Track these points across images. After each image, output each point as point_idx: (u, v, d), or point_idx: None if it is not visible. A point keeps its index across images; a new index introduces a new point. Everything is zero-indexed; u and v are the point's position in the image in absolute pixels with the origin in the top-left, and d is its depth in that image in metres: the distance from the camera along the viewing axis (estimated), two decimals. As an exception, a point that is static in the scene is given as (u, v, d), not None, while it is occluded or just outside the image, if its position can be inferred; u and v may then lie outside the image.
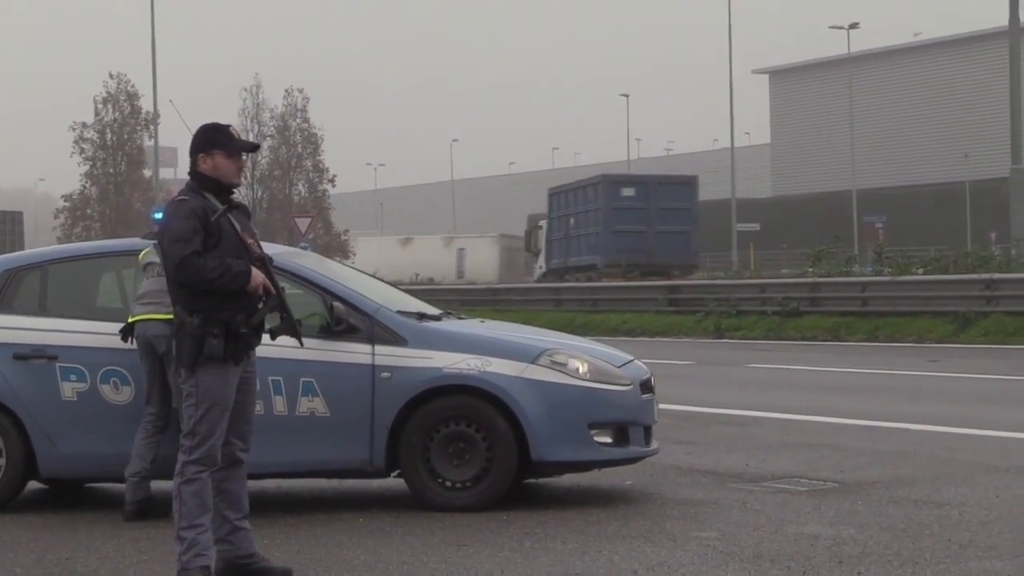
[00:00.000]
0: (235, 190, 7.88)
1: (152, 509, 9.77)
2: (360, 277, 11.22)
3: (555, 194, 57.47)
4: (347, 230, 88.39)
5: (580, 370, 10.12)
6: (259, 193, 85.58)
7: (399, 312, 10.24)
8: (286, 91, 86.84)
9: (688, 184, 53.18)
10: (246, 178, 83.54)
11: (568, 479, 11.06)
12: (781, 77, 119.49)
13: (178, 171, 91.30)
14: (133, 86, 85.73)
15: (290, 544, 8.90)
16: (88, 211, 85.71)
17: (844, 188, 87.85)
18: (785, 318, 32.37)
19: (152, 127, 74.26)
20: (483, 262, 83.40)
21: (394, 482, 10.49)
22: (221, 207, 7.67)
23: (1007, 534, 8.84)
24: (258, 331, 7.72)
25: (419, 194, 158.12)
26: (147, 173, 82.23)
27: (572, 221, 54.26)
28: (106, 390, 10.06)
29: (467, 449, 9.92)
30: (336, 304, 9.98)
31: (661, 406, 10.98)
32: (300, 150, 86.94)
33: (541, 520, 9.54)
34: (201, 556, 7.52)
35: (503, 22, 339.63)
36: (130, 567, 8.40)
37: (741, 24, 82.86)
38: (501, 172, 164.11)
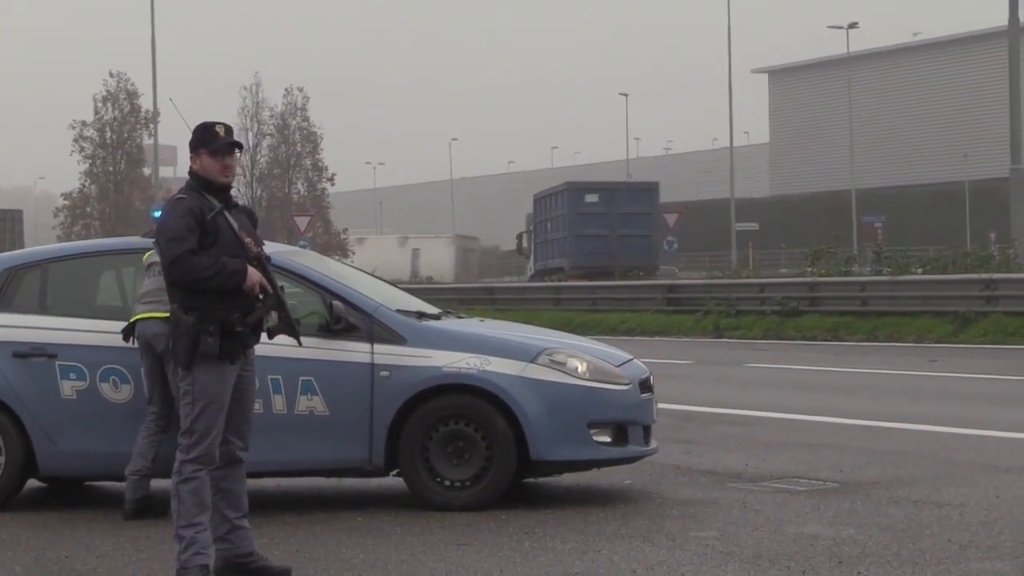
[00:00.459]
0: (231, 188, 7.87)
1: (151, 508, 9.77)
2: (359, 276, 11.21)
3: (538, 199, 59.26)
4: (346, 229, 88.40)
5: (579, 369, 10.12)
6: (258, 192, 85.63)
7: (398, 311, 10.24)
8: (286, 90, 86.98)
9: (649, 190, 55.19)
10: (245, 176, 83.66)
11: (567, 478, 11.05)
12: (780, 77, 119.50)
13: (178, 169, 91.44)
14: (133, 84, 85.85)
15: (289, 543, 8.89)
16: (88, 209, 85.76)
17: (843, 188, 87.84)
18: (784, 318, 32.37)
19: (152, 125, 74.24)
20: (438, 262, 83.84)
21: (393, 481, 10.49)
22: (217, 206, 7.67)
23: (1007, 534, 8.84)
24: (256, 330, 7.72)
25: (418, 193, 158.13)
26: (147, 171, 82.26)
27: (549, 226, 56.20)
28: (105, 388, 10.06)
29: (466, 448, 9.92)
30: (335, 303, 9.98)
31: (660, 405, 10.98)
32: (299, 149, 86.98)
33: (540, 519, 9.54)
34: (200, 555, 7.52)
35: (503, 21, 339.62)
36: (129, 565, 8.40)
37: (740, 24, 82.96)
38: (500, 171, 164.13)
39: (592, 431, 10.05)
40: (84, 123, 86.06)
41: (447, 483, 9.91)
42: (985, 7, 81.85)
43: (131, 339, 9.89)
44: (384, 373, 9.89)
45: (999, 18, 47.98)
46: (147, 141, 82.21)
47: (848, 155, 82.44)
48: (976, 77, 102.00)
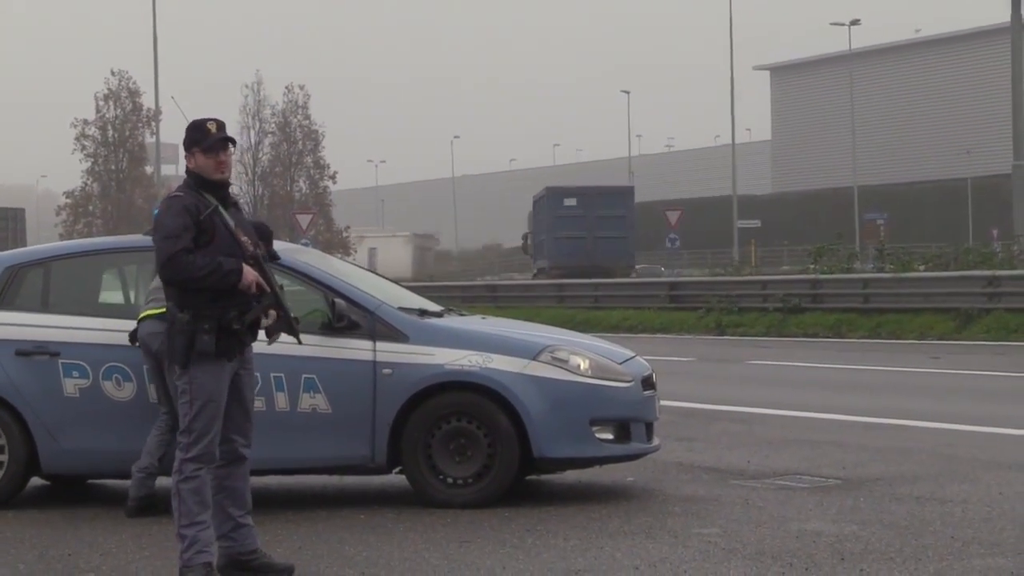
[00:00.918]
0: (229, 186, 7.82)
1: (154, 506, 9.77)
2: (362, 274, 11.22)
3: (535, 202, 62.09)
4: (348, 227, 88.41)
5: (582, 366, 10.12)
6: (260, 190, 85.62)
7: (400, 309, 10.24)
8: (286, 88, 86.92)
9: (624, 194, 58.64)
10: (247, 175, 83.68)
11: (570, 475, 11.06)
12: (782, 73, 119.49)
13: (179, 167, 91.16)
14: (135, 83, 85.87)
15: (292, 540, 8.90)
16: (90, 208, 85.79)
17: (845, 184, 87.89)
18: (786, 315, 32.36)
19: (154, 124, 74.33)
20: (395, 261, 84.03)
21: (396, 479, 10.50)
22: (212, 204, 7.63)
23: (1009, 531, 8.84)
24: (253, 329, 7.69)
25: (420, 191, 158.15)
26: (149, 170, 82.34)
27: (538, 227, 59.48)
28: (108, 386, 10.06)
29: (469, 445, 9.92)
30: (338, 300, 9.98)
31: (662, 403, 10.98)
32: (301, 147, 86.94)
33: (543, 516, 9.54)
34: (202, 553, 7.52)
35: (504, 19, 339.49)
36: (132, 563, 8.40)
37: (742, 21, 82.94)
38: (502, 169, 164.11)
39: (594, 428, 10.06)
40: (86, 121, 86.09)
41: (449, 480, 9.92)
42: (987, 3, 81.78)
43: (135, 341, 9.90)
44: (386, 371, 9.89)
45: (1001, 14, 48.00)
46: (149, 139, 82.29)
47: (850, 152, 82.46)
48: (978, 74, 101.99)
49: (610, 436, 10.15)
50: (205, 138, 7.71)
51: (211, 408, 7.56)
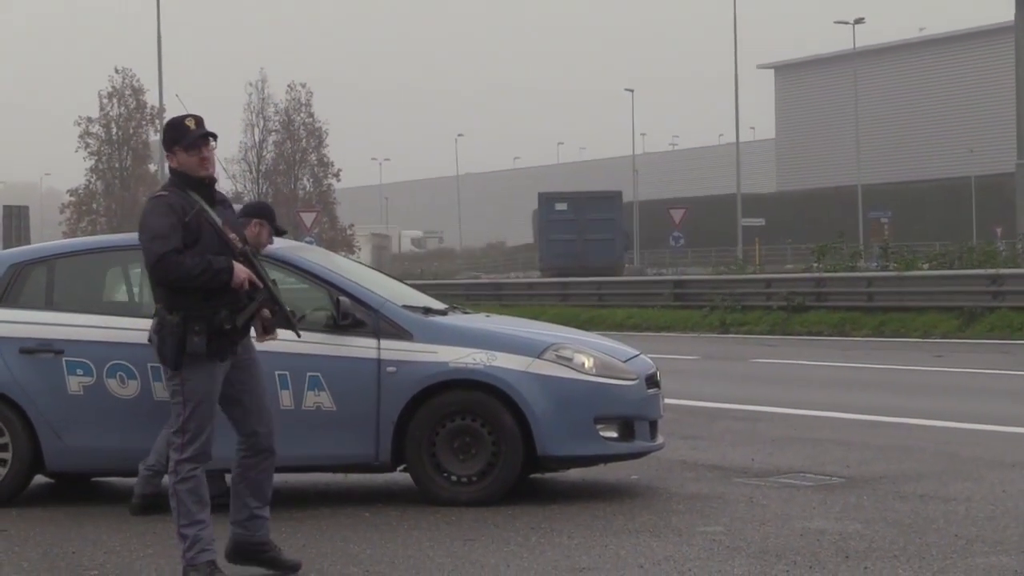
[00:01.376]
0: (215, 183, 7.70)
1: (158, 505, 9.76)
2: (366, 271, 11.22)
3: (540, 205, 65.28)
4: (352, 224, 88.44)
5: (586, 365, 10.12)
6: (264, 188, 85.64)
7: (405, 306, 10.24)
8: (289, 86, 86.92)
9: (612, 198, 61.54)
10: (251, 172, 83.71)
11: (574, 474, 11.06)
12: (786, 72, 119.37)
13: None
14: (138, 81, 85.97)
15: (296, 538, 8.90)
16: (94, 206, 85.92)
17: (849, 183, 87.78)
18: (790, 313, 32.32)
19: (157, 122, 74.35)
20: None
21: (400, 476, 10.50)
22: (196, 203, 7.52)
23: (1013, 529, 8.84)
24: (247, 327, 7.63)
25: (424, 189, 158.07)
26: (152, 168, 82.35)
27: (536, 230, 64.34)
28: (112, 384, 10.05)
29: (473, 444, 9.92)
30: (342, 298, 9.98)
31: (667, 401, 10.98)
32: (304, 144, 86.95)
33: (547, 515, 9.55)
34: (205, 551, 7.51)
35: (508, 17, 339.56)
36: (136, 561, 8.41)
37: (746, 19, 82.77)
38: (506, 167, 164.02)
39: (599, 426, 10.06)
40: (90, 119, 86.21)
41: (454, 478, 9.92)
42: (991, 3, 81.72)
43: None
44: (391, 369, 9.89)
45: (1006, 14, 47.96)
46: (153, 137, 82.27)
47: (854, 150, 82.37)
48: (982, 72, 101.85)
49: (614, 434, 10.14)
50: (185, 135, 7.58)
51: (204, 408, 7.53)
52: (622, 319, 35.73)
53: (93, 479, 11.21)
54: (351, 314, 9.91)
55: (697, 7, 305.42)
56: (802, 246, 63.62)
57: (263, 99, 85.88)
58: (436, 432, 9.91)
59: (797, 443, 12.99)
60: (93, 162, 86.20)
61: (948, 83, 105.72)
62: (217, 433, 7.69)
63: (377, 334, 9.95)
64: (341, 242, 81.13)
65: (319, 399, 9.90)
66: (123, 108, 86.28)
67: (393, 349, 9.92)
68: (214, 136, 7.67)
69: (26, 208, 56.16)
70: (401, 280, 12.07)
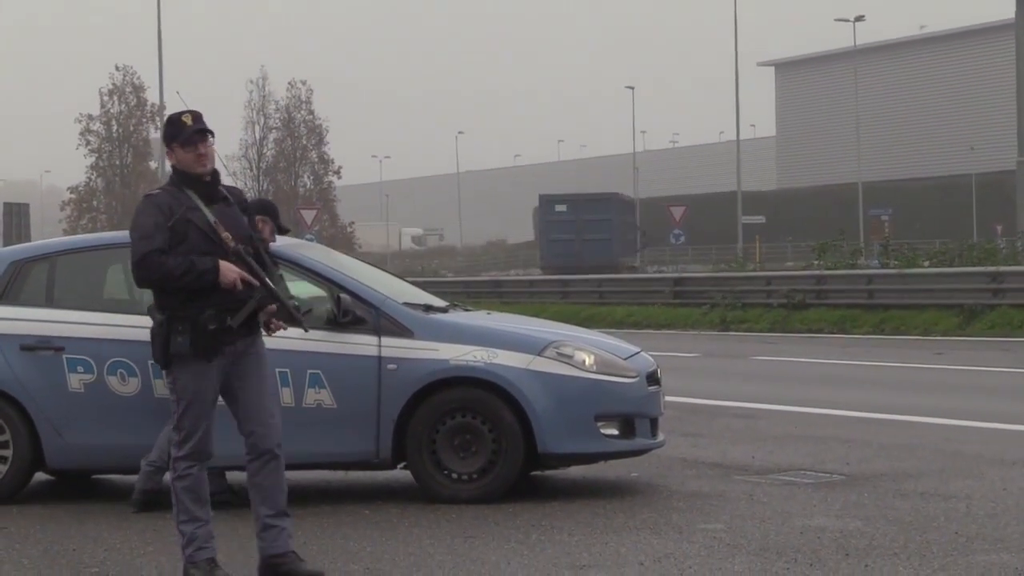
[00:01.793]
0: (217, 179, 7.58)
1: (159, 502, 9.77)
2: (366, 269, 11.21)
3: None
4: (352, 222, 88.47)
5: (586, 362, 10.12)
6: (264, 185, 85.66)
7: (405, 304, 10.24)
8: (289, 83, 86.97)
9: (609, 200, 64.94)
10: (252, 170, 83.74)
11: (574, 471, 11.06)
12: (787, 70, 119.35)
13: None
14: (139, 78, 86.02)
15: (297, 536, 8.83)
16: (94, 203, 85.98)
17: (850, 181, 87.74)
18: (791, 311, 32.31)
19: (158, 119, 74.34)
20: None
21: (400, 474, 10.50)
22: (189, 201, 7.46)
23: (1014, 527, 8.84)
24: (248, 325, 7.54)
25: (425, 186, 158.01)
26: (153, 165, 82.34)
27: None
28: (113, 381, 10.06)
29: (473, 441, 9.92)
30: (343, 296, 9.98)
31: (667, 398, 10.98)
32: (305, 142, 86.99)
33: (547, 512, 9.55)
34: (204, 549, 7.50)
35: (509, 14, 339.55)
36: (137, 558, 8.41)
37: (747, 16, 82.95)
38: (507, 165, 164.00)
39: (599, 424, 10.06)
40: (90, 117, 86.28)
41: (454, 476, 9.92)
42: (991, 0, 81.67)
43: None
44: (391, 366, 9.89)
45: (1006, 11, 47.94)
46: (153, 135, 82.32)
47: (855, 148, 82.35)
48: (983, 70, 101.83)
49: (615, 432, 10.14)
50: (181, 132, 7.53)
51: (196, 407, 7.50)
52: (622, 317, 35.74)
53: (93, 476, 11.21)
54: (352, 311, 9.91)
55: (698, 4, 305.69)
56: (802, 244, 63.66)
57: (264, 96, 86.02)
58: (437, 429, 9.91)
59: (797, 440, 12.99)
60: (94, 159, 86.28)
61: (948, 81, 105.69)
62: (218, 432, 7.67)
63: (378, 331, 9.95)
64: (342, 240, 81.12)
65: (320, 396, 9.90)
66: (124, 105, 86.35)
67: (394, 346, 9.92)
68: (211, 132, 7.60)
69: (26, 205, 56.14)
70: (402, 277, 12.06)
